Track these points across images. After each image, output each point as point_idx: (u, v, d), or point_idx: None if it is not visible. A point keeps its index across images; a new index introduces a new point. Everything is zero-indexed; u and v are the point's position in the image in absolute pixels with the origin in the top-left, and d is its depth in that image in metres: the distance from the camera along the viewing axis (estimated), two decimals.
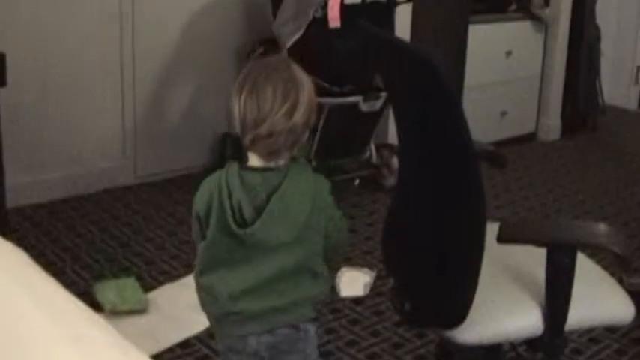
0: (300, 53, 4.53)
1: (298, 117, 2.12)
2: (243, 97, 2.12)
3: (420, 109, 2.21)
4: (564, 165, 5.91)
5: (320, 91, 4.49)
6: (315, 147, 4.65)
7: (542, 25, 6.23)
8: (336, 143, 4.76)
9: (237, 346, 2.29)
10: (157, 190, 4.95)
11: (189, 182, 5.04)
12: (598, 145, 6.46)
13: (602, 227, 2.43)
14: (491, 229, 2.20)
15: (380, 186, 4.99)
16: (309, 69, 4.52)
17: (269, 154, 2.18)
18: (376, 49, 2.45)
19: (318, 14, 4.44)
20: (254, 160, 2.21)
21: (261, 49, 4.92)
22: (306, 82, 2.18)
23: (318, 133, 4.62)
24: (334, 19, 4.30)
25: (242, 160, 2.20)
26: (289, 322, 2.25)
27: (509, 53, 5.97)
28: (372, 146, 4.94)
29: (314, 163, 4.67)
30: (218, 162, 5.22)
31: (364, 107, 4.55)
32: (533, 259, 2.30)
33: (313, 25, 4.47)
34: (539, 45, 6.27)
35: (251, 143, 2.18)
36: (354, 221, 4.60)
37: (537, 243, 2.25)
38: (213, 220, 2.22)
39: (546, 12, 6.14)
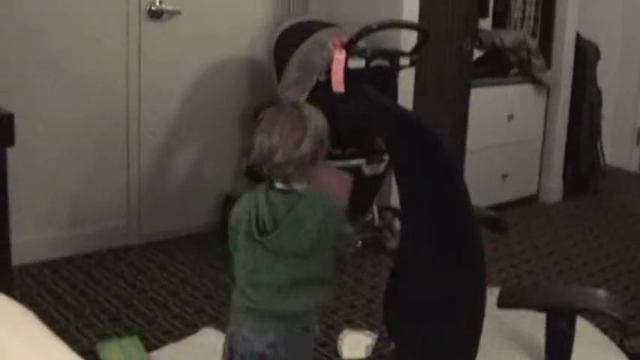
0: None
1: (305, 148, 2.56)
2: (260, 133, 2.59)
3: (420, 176, 2.25)
4: (566, 227, 5.92)
5: None
6: None
7: (544, 88, 6.28)
8: None
9: (245, 347, 2.66)
10: (160, 250, 4.98)
11: (192, 243, 5.09)
12: (600, 207, 6.49)
13: (601, 293, 2.46)
14: (492, 294, 2.23)
15: (382, 248, 4.99)
16: None
17: (284, 179, 2.60)
18: (379, 115, 2.49)
19: (322, 78, 4.48)
20: (278, 183, 2.61)
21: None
22: (314, 118, 2.66)
23: None
24: (338, 84, 4.34)
25: (271, 182, 2.61)
26: (302, 326, 2.67)
27: (511, 116, 6.01)
28: (375, 209, 4.96)
29: None
30: (221, 223, 5.26)
31: (367, 170, 4.59)
32: (533, 323, 2.32)
33: (317, 88, 4.52)
34: (540, 108, 6.31)
35: (268, 171, 2.60)
36: (356, 283, 4.63)
37: (537, 308, 2.28)
38: (242, 229, 2.65)
39: (548, 75, 6.18)
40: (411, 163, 2.29)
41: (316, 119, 2.68)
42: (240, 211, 2.68)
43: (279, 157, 2.53)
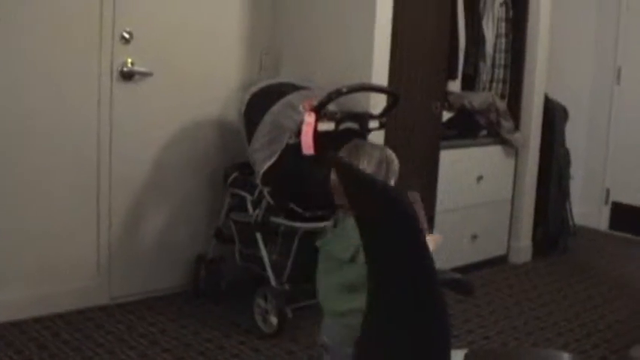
0: (274, 179, 4.62)
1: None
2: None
3: (385, 241, 2.27)
4: (535, 287, 5.95)
5: (293, 216, 4.60)
6: (288, 270, 4.70)
7: (513, 149, 6.34)
8: (310, 266, 4.78)
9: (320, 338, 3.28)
10: (130, 311, 4.96)
11: (163, 304, 5.08)
12: (569, 267, 6.52)
13: (564, 357, 2.48)
14: (458, 357, 2.25)
15: None
16: (282, 194, 4.63)
17: (345, 203, 3.03)
18: (345, 180, 2.52)
19: (292, 141, 4.51)
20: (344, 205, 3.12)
21: (236, 174, 4.99)
22: (367, 152, 3.24)
23: (291, 256, 4.67)
24: (308, 147, 4.36)
25: None
26: (357, 323, 2.76)
27: (480, 178, 6.06)
28: None
29: (287, 286, 4.72)
30: (192, 284, 5.27)
31: None
32: None
33: (287, 151, 4.55)
34: (509, 169, 6.37)
35: (335, 197, 3.17)
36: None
37: None
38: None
39: (516, 137, 6.25)
40: (376, 226, 2.32)
41: (369, 153, 3.23)
42: None
43: (338, 186, 2.97)
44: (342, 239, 3.15)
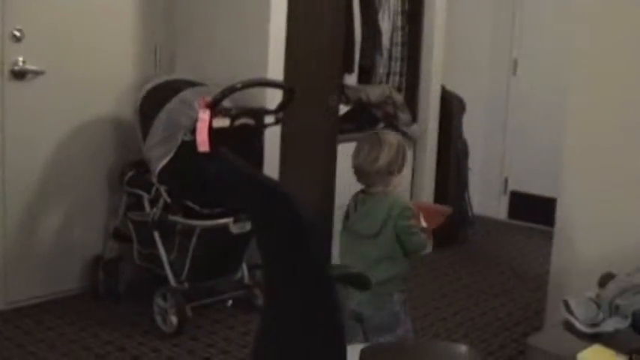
0: (171, 176, 4.58)
1: (381, 163, 3.67)
2: (353, 156, 3.76)
3: (275, 238, 2.26)
4: (436, 278, 6.00)
5: (191, 214, 4.57)
6: (187, 268, 4.66)
7: (411, 141, 6.38)
8: (208, 264, 4.78)
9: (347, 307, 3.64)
10: (27, 315, 4.86)
11: (62, 307, 5.00)
12: (469, 257, 6.60)
13: (461, 349, 2.49)
14: (355, 352, 2.25)
15: (253, 306, 4.97)
16: (179, 192, 4.59)
17: (367, 185, 3.77)
18: (236, 178, 2.50)
19: (187, 138, 4.48)
20: (363, 187, 3.79)
21: (132, 172, 4.93)
22: (388, 141, 3.73)
23: (189, 255, 4.64)
24: (203, 143, 4.33)
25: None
26: (385, 292, 3.67)
27: None
28: (244, 266, 4.96)
29: (186, 284, 4.69)
30: (90, 286, 5.19)
31: (234, 229, 4.58)
32: None
33: (182, 148, 4.52)
34: (408, 161, 6.39)
35: (358, 180, 3.79)
36: (227, 343, 4.61)
37: None
38: (343, 219, 3.88)
39: (414, 129, 6.29)
40: (267, 222, 2.30)
41: (391, 141, 3.73)
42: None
43: (362, 170, 3.74)
44: (368, 217, 3.73)
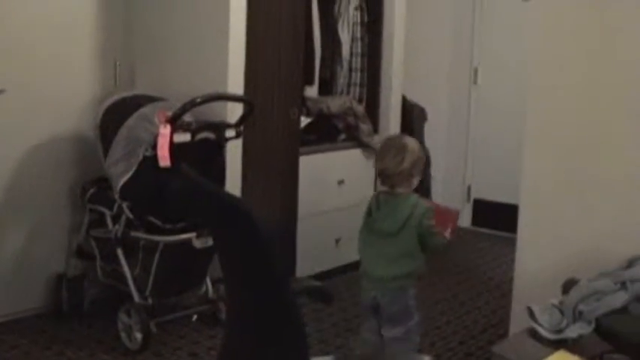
0: (133, 193, 4.56)
1: (405, 165, 3.87)
2: (378, 159, 4.04)
3: (237, 251, 2.26)
4: None
5: (153, 230, 4.55)
6: (150, 284, 4.64)
7: (373, 152, 6.37)
8: (172, 279, 4.76)
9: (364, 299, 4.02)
10: None
11: (25, 326, 4.95)
12: (434, 265, 6.56)
13: (425, 359, 2.49)
14: None
15: (218, 320, 4.96)
16: (141, 208, 4.57)
17: (391, 186, 3.94)
18: (197, 194, 2.49)
19: (149, 153, 4.47)
20: (385, 188, 3.99)
21: (94, 189, 4.91)
22: (410, 145, 3.96)
23: (153, 270, 4.61)
24: (164, 159, 4.33)
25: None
26: (402, 286, 3.95)
27: (341, 182, 6.09)
28: (208, 281, 4.95)
29: (150, 300, 4.67)
30: (54, 304, 5.15)
31: (197, 244, 4.57)
32: None
33: (144, 164, 4.50)
34: (370, 172, 6.39)
35: (382, 182, 4.02)
36: (193, 358, 4.59)
37: None
38: (364, 217, 4.10)
39: (375, 139, 6.29)
40: (227, 239, 2.30)
41: (413, 146, 3.97)
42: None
43: (385, 172, 3.94)
44: (391, 216, 3.95)
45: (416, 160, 3.95)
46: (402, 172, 3.90)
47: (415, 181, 3.99)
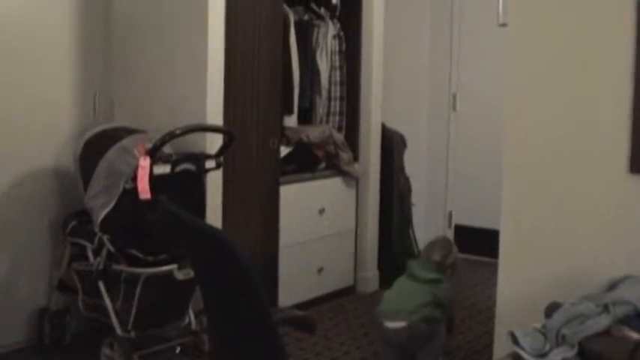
0: (113, 225, 4.55)
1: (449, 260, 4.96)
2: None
3: (217, 281, 2.26)
4: None
5: (135, 262, 4.54)
6: (133, 316, 4.62)
7: (353, 180, 6.41)
8: (154, 312, 4.73)
9: None
10: None
11: None
12: None
13: None
14: None
15: (201, 352, 4.92)
16: (122, 241, 4.55)
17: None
18: (177, 225, 2.49)
19: (129, 186, 4.46)
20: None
21: (74, 222, 4.90)
22: (452, 245, 5.13)
23: (135, 303, 4.59)
24: (144, 191, 4.32)
25: None
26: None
27: (322, 210, 6.09)
28: (191, 312, 4.93)
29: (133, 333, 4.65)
30: (36, 338, 5.12)
31: (179, 275, 4.55)
32: None
33: (124, 197, 4.49)
34: (351, 200, 6.43)
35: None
36: None
37: None
38: None
39: (356, 167, 6.32)
40: (209, 271, 2.30)
41: (453, 247, 5.08)
42: None
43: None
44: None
45: (455, 256, 5.06)
46: (441, 264, 4.94)
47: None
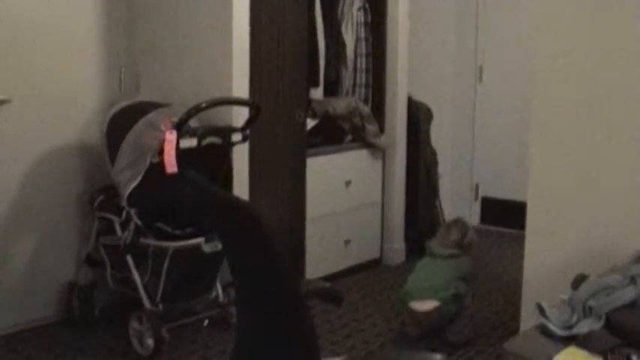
0: (140, 199, 4.57)
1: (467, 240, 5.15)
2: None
3: (245, 254, 2.26)
4: None
5: (162, 236, 4.55)
6: (161, 290, 4.64)
7: (380, 152, 6.40)
8: (182, 285, 4.76)
9: None
10: (2, 345, 4.81)
11: (38, 336, 4.96)
12: None
13: (437, 357, 2.49)
14: None
15: (229, 325, 4.95)
16: (149, 214, 4.57)
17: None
18: (204, 199, 2.50)
19: (155, 160, 4.48)
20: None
21: (102, 197, 4.91)
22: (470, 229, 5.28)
23: (163, 276, 4.62)
24: (171, 165, 4.33)
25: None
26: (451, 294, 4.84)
27: (348, 182, 6.10)
28: (219, 285, 4.95)
29: (161, 306, 4.67)
30: (65, 313, 5.16)
31: (207, 248, 4.57)
32: None
33: (151, 170, 4.51)
34: (378, 172, 6.43)
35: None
36: None
37: None
38: None
39: (382, 139, 6.31)
40: (236, 244, 2.31)
41: (470, 228, 5.27)
42: None
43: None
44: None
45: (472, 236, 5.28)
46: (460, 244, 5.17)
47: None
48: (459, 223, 5.26)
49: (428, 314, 4.76)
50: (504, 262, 6.73)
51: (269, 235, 2.08)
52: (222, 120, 4.95)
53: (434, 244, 5.11)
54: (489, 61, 7.79)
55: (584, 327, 3.13)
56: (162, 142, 4.43)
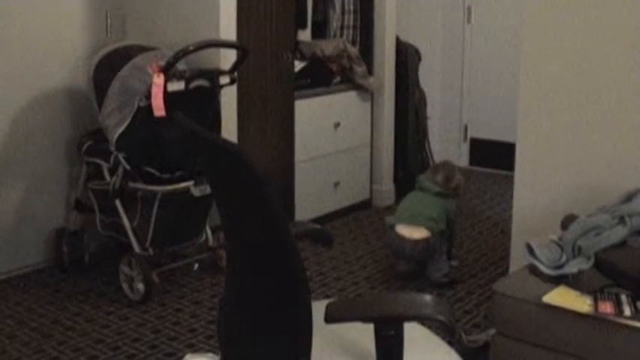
0: (129, 143, 4.55)
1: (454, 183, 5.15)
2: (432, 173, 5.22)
3: (234, 197, 2.26)
4: None
5: (151, 180, 4.54)
6: (150, 234, 4.64)
7: (368, 94, 6.38)
8: (171, 229, 4.75)
9: None
10: None
11: (27, 281, 4.97)
12: None
13: (426, 298, 2.49)
14: (320, 308, 2.25)
15: (219, 268, 4.96)
16: (137, 159, 4.56)
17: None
18: (193, 141, 2.48)
19: (143, 103, 4.46)
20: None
21: (90, 142, 4.89)
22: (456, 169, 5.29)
23: (152, 220, 4.61)
24: (159, 108, 4.31)
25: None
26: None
27: (337, 125, 6.08)
28: (208, 229, 4.95)
29: (150, 251, 4.68)
30: (55, 258, 5.16)
31: (196, 192, 4.56)
32: (363, 334, 2.35)
33: (139, 114, 4.49)
34: (366, 114, 6.41)
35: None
36: (196, 306, 4.60)
37: (364, 320, 2.30)
38: None
39: (370, 81, 6.28)
40: (225, 186, 2.30)
41: (457, 172, 5.25)
42: None
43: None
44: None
45: (460, 179, 5.23)
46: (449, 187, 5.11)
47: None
48: (446, 165, 5.23)
49: (416, 243, 4.79)
50: (493, 203, 6.74)
51: (258, 177, 2.07)
52: (209, 63, 4.92)
53: (424, 179, 5.10)
54: (478, 1, 7.74)
55: (573, 266, 3.14)
56: (149, 85, 4.41)
